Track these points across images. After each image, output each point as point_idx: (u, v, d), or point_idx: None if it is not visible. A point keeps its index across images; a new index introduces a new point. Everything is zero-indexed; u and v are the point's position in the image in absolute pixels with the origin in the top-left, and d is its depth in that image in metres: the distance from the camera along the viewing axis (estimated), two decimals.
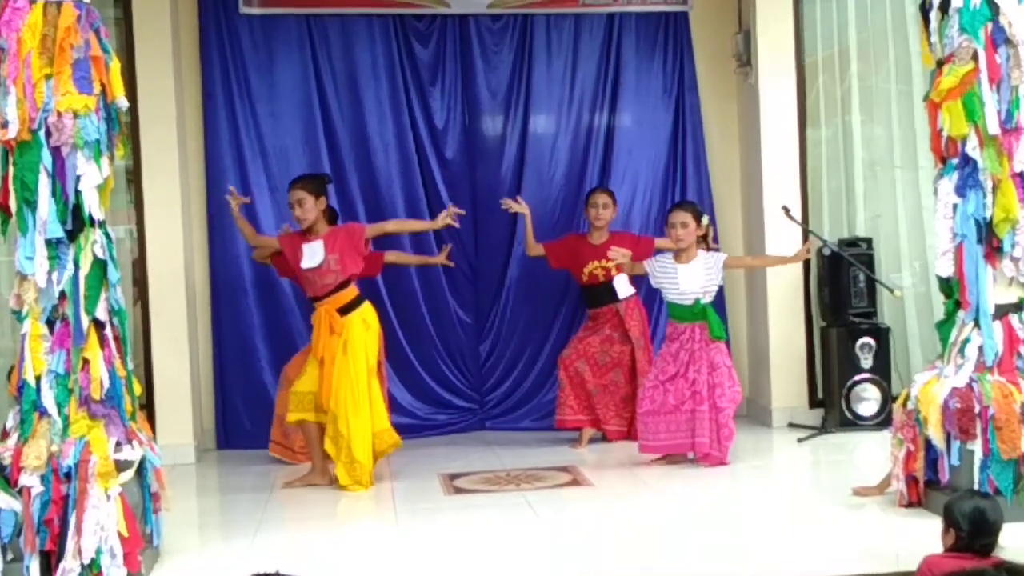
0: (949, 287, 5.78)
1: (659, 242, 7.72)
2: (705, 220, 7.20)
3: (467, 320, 8.68)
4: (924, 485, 5.69)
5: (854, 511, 5.85)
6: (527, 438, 8.29)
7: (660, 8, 8.74)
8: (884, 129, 8.72)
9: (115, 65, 5.21)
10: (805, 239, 8.22)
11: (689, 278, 7.06)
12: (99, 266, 5.10)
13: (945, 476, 5.57)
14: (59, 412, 5.00)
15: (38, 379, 5.01)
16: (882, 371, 8.03)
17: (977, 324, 5.59)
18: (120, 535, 4.92)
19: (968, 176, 5.57)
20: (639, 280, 7.80)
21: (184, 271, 7.92)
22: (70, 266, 5.04)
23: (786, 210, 7.96)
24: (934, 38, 5.77)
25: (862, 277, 8.10)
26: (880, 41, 8.68)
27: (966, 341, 5.61)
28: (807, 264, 8.36)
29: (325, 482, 6.93)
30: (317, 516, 6.37)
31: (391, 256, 7.85)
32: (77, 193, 5.02)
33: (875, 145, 8.74)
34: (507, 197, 8.30)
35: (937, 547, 4.29)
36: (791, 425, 8.24)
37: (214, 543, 6.04)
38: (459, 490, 6.77)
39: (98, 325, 5.10)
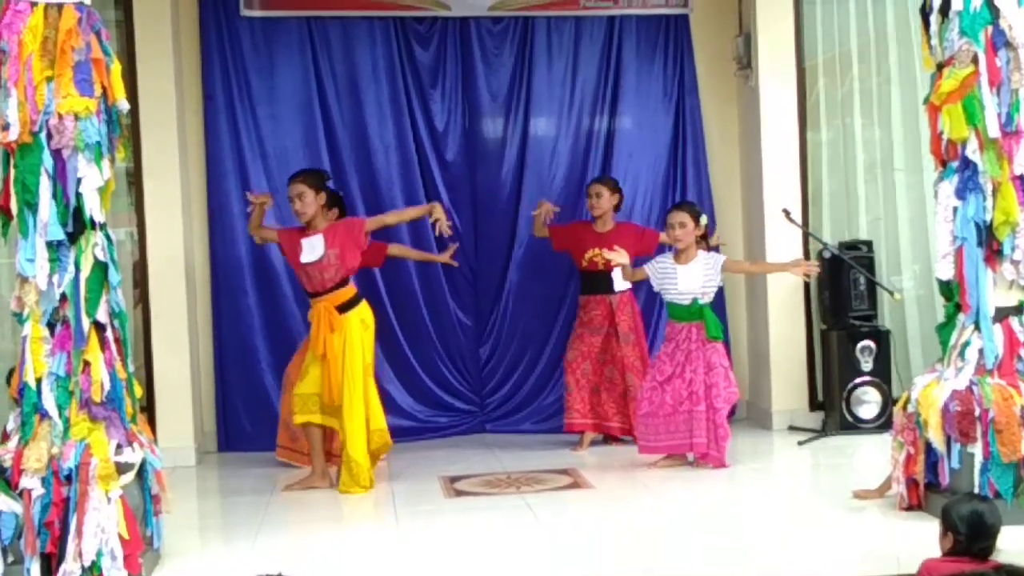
0: (949, 290, 5.78)
1: (663, 237, 7.71)
2: (704, 220, 7.21)
3: (467, 323, 8.68)
4: (924, 488, 5.70)
5: (854, 514, 5.85)
6: (527, 441, 8.29)
7: (660, 11, 8.74)
8: (885, 132, 8.72)
9: (116, 67, 5.21)
10: (806, 242, 8.26)
11: (688, 278, 7.07)
12: (100, 268, 5.10)
13: (945, 479, 5.57)
14: (60, 414, 5.01)
15: (39, 381, 5.02)
16: (882, 374, 8.03)
17: (977, 327, 5.59)
18: (121, 537, 4.92)
19: (968, 179, 5.57)
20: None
21: (184, 273, 7.93)
22: (71, 268, 5.04)
23: (786, 213, 7.97)
24: (934, 41, 5.77)
25: (862, 280, 8.10)
26: (881, 44, 8.69)
27: (966, 344, 5.61)
28: None
29: (325, 485, 6.93)
30: (318, 518, 6.37)
31: (394, 249, 7.80)
32: (78, 195, 5.02)
33: (876, 148, 8.74)
34: (508, 200, 8.31)
35: (937, 550, 4.29)
36: (791, 428, 8.23)
37: (215, 545, 6.04)
38: (460, 493, 6.77)
39: (99, 327, 5.10)
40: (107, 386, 5.07)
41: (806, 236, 8.29)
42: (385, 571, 5.34)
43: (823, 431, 8.00)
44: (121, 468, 5.00)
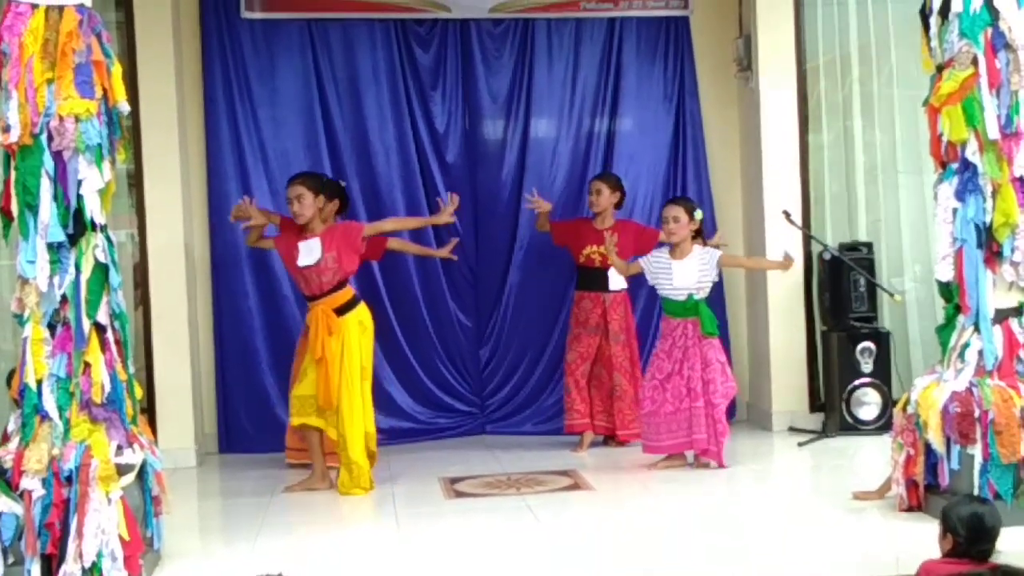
0: (949, 291, 5.78)
1: (663, 236, 7.71)
2: (698, 215, 7.20)
3: (468, 324, 8.68)
4: (924, 489, 5.70)
5: (854, 515, 5.85)
6: (528, 442, 8.30)
7: (661, 13, 8.74)
8: (885, 134, 8.72)
9: (117, 69, 5.22)
10: (806, 244, 8.28)
11: (683, 274, 7.07)
12: (100, 270, 5.11)
13: (945, 480, 5.57)
14: (60, 416, 5.01)
15: (39, 383, 5.02)
16: (882, 375, 8.03)
17: (977, 328, 5.60)
18: (121, 539, 4.93)
19: (968, 181, 5.58)
20: (638, 281, 7.81)
21: (185, 274, 7.94)
22: (71, 270, 5.05)
23: (787, 215, 7.98)
24: (934, 43, 5.78)
25: (863, 281, 8.10)
26: (881, 46, 8.69)
27: (966, 345, 5.62)
28: (808, 268, 8.37)
29: (325, 486, 6.93)
30: (318, 520, 6.38)
31: (394, 243, 7.77)
32: (79, 197, 5.03)
33: (876, 150, 8.74)
34: (508, 201, 8.33)
35: (937, 552, 4.29)
36: (791, 429, 8.23)
37: (215, 547, 6.05)
38: (460, 494, 6.78)
39: (99, 329, 5.11)
40: (107, 387, 5.07)
41: (806, 238, 8.30)
42: (385, 572, 5.35)
43: (823, 432, 8.00)
44: (122, 469, 5.01)
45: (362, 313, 6.96)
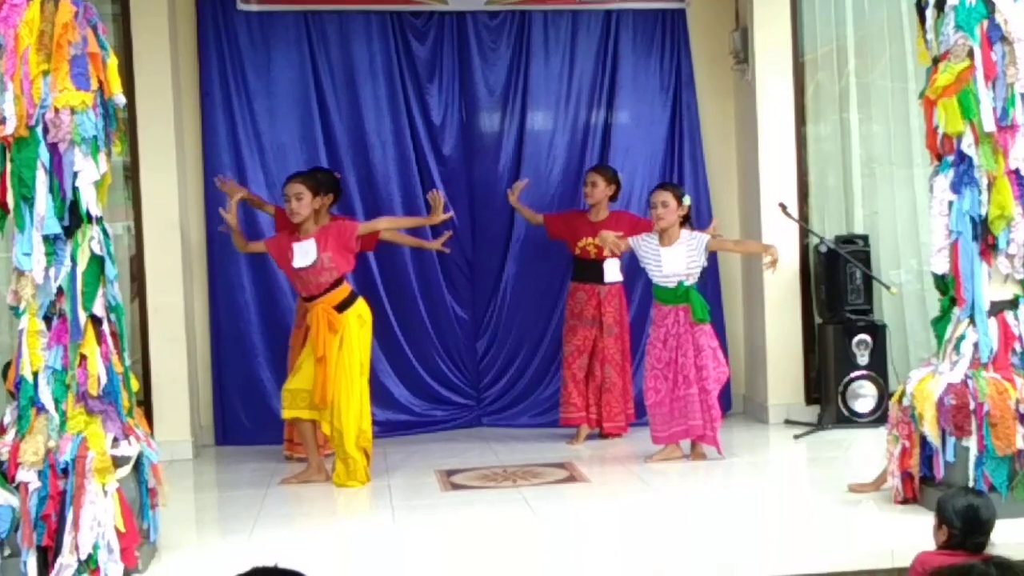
0: (944, 284, 5.78)
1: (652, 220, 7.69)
2: (687, 201, 7.20)
3: (464, 317, 8.68)
4: (919, 481, 5.71)
5: (850, 507, 5.87)
6: (524, 434, 8.30)
7: (657, 5, 8.74)
8: (882, 126, 8.72)
9: (112, 62, 5.21)
10: (802, 236, 8.28)
11: (672, 261, 7.07)
12: (96, 262, 5.11)
13: (940, 473, 5.58)
14: (56, 408, 5.02)
15: (35, 375, 5.03)
16: (878, 368, 8.04)
17: (972, 321, 5.60)
18: (117, 531, 4.94)
19: (964, 173, 5.58)
20: (630, 269, 7.81)
21: (181, 267, 7.93)
22: (67, 262, 5.05)
23: (783, 207, 7.98)
24: (930, 35, 5.78)
25: (859, 274, 8.11)
26: (878, 38, 8.68)
27: (961, 338, 5.62)
28: (804, 261, 8.38)
29: (321, 479, 6.94)
30: (314, 512, 6.39)
31: (387, 234, 7.73)
32: (74, 189, 5.04)
33: (873, 142, 8.74)
34: (504, 194, 8.30)
35: (932, 544, 4.30)
36: (787, 422, 8.24)
37: (211, 539, 6.06)
38: (456, 486, 6.78)
39: (95, 321, 5.11)
40: (104, 380, 5.07)
41: (802, 230, 8.30)
42: (381, 564, 5.35)
43: (819, 425, 8.02)
44: (117, 461, 5.01)
45: (361, 307, 6.96)
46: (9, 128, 4.97)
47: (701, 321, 7.05)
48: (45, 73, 5.00)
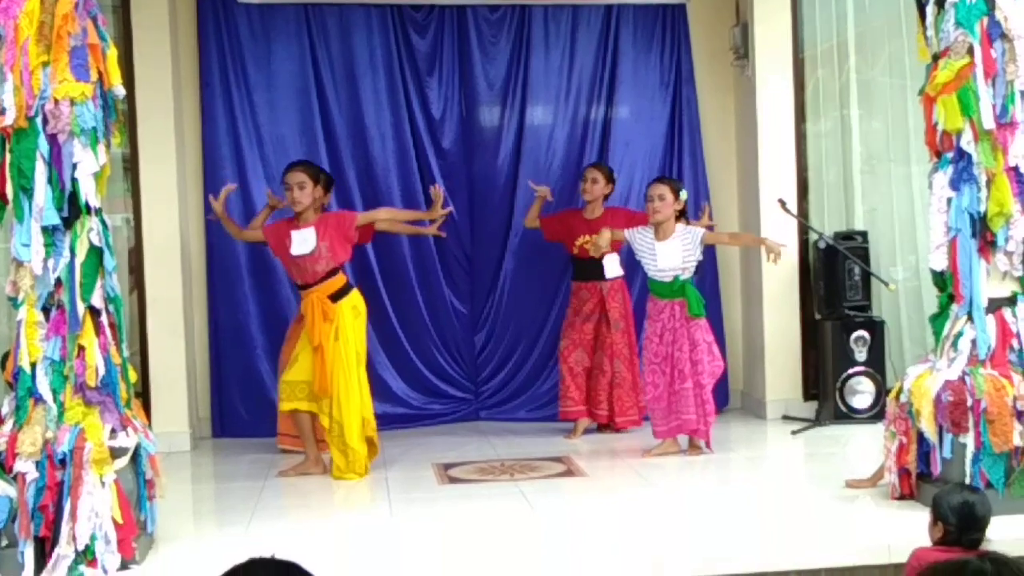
0: (943, 281, 5.79)
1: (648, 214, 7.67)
2: (683, 195, 7.20)
3: (463, 310, 8.68)
4: (916, 478, 5.72)
5: (847, 503, 5.87)
6: (522, 428, 8.31)
7: (658, 0, 8.74)
8: (881, 123, 8.72)
9: (112, 53, 5.21)
10: (801, 232, 8.27)
11: (667, 255, 7.07)
12: (95, 253, 5.11)
13: (937, 469, 5.59)
14: (54, 399, 5.02)
15: (33, 366, 5.03)
16: (876, 364, 8.05)
17: (970, 318, 5.61)
18: (114, 522, 4.95)
19: (963, 170, 5.58)
20: (629, 263, 7.81)
21: (180, 259, 7.93)
22: (66, 253, 5.05)
23: (782, 203, 7.98)
24: (930, 32, 5.79)
25: (857, 270, 8.11)
26: (878, 35, 8.68)
27: (959, 335, 5.63)
28: (803, 257, 8.39)
29: (319, 471, 6.94)
30: (312, 504, 6.39)
31: (383, 224, 7.73)
32: (74, 181, 5.03)
33: (872, 139, 8.74)
34: (504, 188, 8.33)
35: (928, 540, 4.30)
36: (785, 418, 8.25)
37: (209, 530, 6.05)
38: (453, 480, 6.79)
39: (94, 312, 5.11)
40: (102, 371, 5.08)
41: (801, 226, 8.30)
42: (379, 557, 5.36)
43: (817, 421, 8.02)
44: (115, 453, 5.02)
45: (355, 298, 6.97)
46: (8, 119, 4.97)
47: (696, 316, 7.05)
48: (45, 64, 4.99)
